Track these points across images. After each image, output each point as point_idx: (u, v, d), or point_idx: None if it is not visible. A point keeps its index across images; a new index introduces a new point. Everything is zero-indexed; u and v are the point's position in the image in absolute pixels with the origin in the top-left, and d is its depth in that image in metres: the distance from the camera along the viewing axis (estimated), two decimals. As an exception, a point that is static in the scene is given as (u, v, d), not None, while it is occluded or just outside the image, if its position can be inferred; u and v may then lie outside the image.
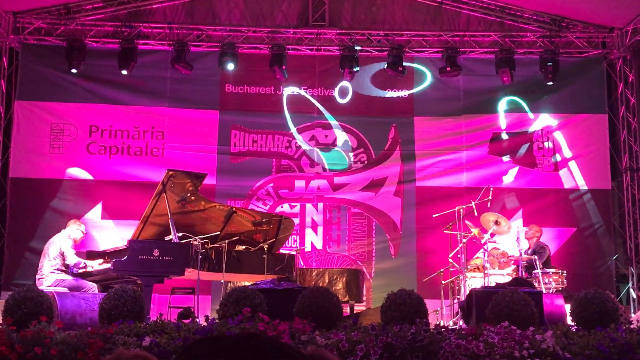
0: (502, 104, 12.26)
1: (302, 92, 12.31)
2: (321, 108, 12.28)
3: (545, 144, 12.18)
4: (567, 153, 12.15)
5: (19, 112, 11.73)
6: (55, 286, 8.46)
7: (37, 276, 8.74)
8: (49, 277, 8.62)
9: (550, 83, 12.04)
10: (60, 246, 8.77)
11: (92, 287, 8.51)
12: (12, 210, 11.52)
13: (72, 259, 8.71)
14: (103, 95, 12.02)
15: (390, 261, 11.97)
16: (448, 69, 12.06)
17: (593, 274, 11.66)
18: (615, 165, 12.14)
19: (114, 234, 11.39)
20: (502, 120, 12.24)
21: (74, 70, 11.70)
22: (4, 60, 11.85)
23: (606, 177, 12.05)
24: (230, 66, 11.93)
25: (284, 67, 11.93)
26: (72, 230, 9.10)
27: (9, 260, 11.32)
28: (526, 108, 12.23)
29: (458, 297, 9.89)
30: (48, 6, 11.85)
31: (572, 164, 12.11)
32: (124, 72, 11.78)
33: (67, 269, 8.73)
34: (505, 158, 12.14)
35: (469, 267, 10.08)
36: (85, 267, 8.68)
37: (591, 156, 12.11)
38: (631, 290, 11.82)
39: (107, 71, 12.00)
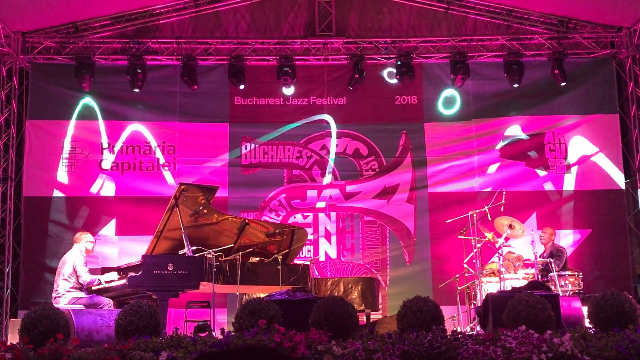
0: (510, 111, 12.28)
1: (312, 101, 12.36)
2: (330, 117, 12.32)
3: (557, 146, 12.14)
4: (580, 154, 12.10)
5: (31, 131, 11.81)
6: (72, 304, 8.48)
7: (54, 295, 8.75)
8: (65, 295, 8.64)
9: (564, 83, 11.99)
10: (73, 265, 8.76)
11: (108, 302, 8.52)
12: (26, 229, 11.57)
13: (85, 277, 8.71)
14: (113, 112, 12.08)
15: (405, 268, 11.94)
16: (452, 75, 12.07)
17: (609, 275, 11.58)
18: (628, 164, 12.08)
19: (128, 250, 11.42)
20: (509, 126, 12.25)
21: (85, 88, 11.79)
22: (14, 80, 11.94)
23: (619, 177, 11.99)
24: (241, 86, 12.01)
25: (294, 79, 12.03)
26: (82, 244, 9.08)
27: (25, 279, 11.38)
28: (529, 124, 12.22)
29: (474, 302, 9.85)
30: (56, 25, 11.93)
31: (585, 165, 12.06)
32: (136, 90, 11.85)
33: (81, 287, 8.74)
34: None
35: (484, 272, 10.04)
36: (99, 283, 8.69)
37: (603, 156, 12.05)
38: (649, 290, 11.75)
39: (116, 88, 12.08)
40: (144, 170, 11.99)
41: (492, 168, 12.16)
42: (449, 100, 12.31)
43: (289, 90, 12.18)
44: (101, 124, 12.02)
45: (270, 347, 1.79)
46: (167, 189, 11.75)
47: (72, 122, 11.95)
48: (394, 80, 12.25)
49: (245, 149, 12.18)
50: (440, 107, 12.30)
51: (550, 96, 12.26)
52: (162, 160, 12.00)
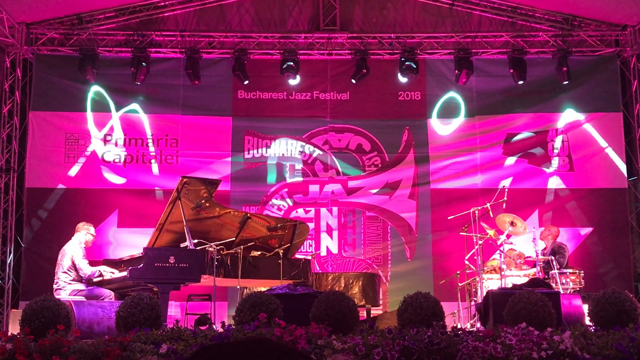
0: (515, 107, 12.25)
1: (315, 96, 12.36)
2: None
3: (560, 143, 12.12)
4: (583, 152, 12.08)
5: (34, 122, 11.82)
6: (72, 296, 8.48)
7: (55, 286, 8.75)
8: (66, 287, 8.63)
9: (566, 82, 11.98)
10: (72, 257, 8.74)
11: (109, 294, 8.52)
12: (28, 220, 11.58)
13: (86, 269, 8.69)
14: (117, 104, 12.08)
15: (406, 264, 11.94)
16: (456, 71, 12.05)
17: (611, 273, 11.58)
18: (631, 163, 12.06)
19: (130, 242, 11.43)
20: (513, 123, 12.23)
21: (89, 80, 11.80)
22: (18, 71, 11.94)
23: (622, 176, 11.97)
24: (246, 82, 12.02)
25: (297, 74, 12.01)
26: (82, 235, 9.05)
27: (26, 270, 11.39)
28: (532, 122, 12.20)
29: (475, 299, 9.85)
30: (60, 17, 11.93)
31: (588, 163, 12.05)
32: (139, 83, 11.86)
33: (81, 279, 8.73)
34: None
35: (485, 268, 10.04)
36: (101, 275, 8.68)
37: (606, 154, 12.04)
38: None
39: (120, 80, 12.08)
40: (146, 163, 12.00)
41: (495, 165, 12.14)
42: (451, 106, 12.26)
43: (294, 81, 12.15)
44: (103, 115, 12.03)
45: (272, 340, 1.78)
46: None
47: (76, 114, 11.97)
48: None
49: (248, 142, 12.18)
50: (440, 116, 12.27)
51: (553, 94, 12.24)
52: (152, 152, 11.99)
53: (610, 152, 12.03)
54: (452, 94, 12.29)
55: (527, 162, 12.12)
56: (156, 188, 11.81)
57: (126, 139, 12.03)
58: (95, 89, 12.00)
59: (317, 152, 12.23)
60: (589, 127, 12.14)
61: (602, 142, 12.08)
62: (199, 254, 8.36)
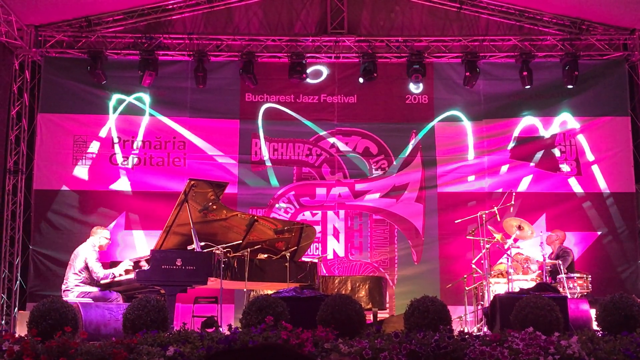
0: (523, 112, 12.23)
1: (322, 99, 12.36)
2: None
3: (568, 147, 12.09)
4: (590, 156, 12.05)
5: (42, 124, 11.86)
6: (81, 298, 8.51)
7: (63, 287, 8.78)
8: (75, 289, 8.67)
9: (571, 86, 11.95)
10: (85, 259, 8.78)
11: (117, 297, 8.56)
12: (36, 222, 11.62)
13: (100, 272, 8.72)
14: (125, 106, 12.10)
15: (413, 268, 11.93)
16: (467, 74, 12.02)
17: (618, 278, 11.54)
18: (639, 167, 12.01)
19: (137, 244, 11.46)
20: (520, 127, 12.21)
21: (101, 82, 11.83)
22: (26, 74, 11.99)
23: (630, 180, 11.92)
24: (254, 83, 12.05)
25: (304, 74, 12.03)
26: (96, 239, 9.12)
27: (34, 272, 11.42)
28: (540, 125, 12.18)
29: (482, 303, 9.83)
30: (69, 19, 11.97)
31: (595, 168, 12.01)
32: (145, 85, 11.88)
33: (92, 282, 8.75)
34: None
35: (492, 272, 10.02)
36: (113, 277, 8.69)
37: (614, 159, 12.00)
38: (658, 294, 11.68)
39: (128, 82, 12.10)
40: (153, 165, 12.02)
41: (503, 169, 12.12)
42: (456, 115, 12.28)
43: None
44: (122, 118, 12.04)
45: (282, 345, 1.78)
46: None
47: (84, 116, 12.00)
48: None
49: (256, 145, 12.20)
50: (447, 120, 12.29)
51: (561, 98, 12.21)
52: (159, 154, 12.02)
53: (618, 156, 11.97)
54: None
55: (535, 165, 12.10)
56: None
57: (133, 142, 12.05)
58: (104, 91, 12.02)
59: (324, 155, 12.24)
60: (596, 131, 12.10)
61: (610, 147, 12.02)
62: (206, 257, 8.37)
